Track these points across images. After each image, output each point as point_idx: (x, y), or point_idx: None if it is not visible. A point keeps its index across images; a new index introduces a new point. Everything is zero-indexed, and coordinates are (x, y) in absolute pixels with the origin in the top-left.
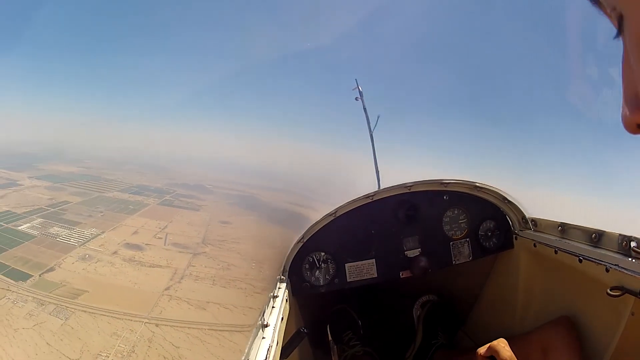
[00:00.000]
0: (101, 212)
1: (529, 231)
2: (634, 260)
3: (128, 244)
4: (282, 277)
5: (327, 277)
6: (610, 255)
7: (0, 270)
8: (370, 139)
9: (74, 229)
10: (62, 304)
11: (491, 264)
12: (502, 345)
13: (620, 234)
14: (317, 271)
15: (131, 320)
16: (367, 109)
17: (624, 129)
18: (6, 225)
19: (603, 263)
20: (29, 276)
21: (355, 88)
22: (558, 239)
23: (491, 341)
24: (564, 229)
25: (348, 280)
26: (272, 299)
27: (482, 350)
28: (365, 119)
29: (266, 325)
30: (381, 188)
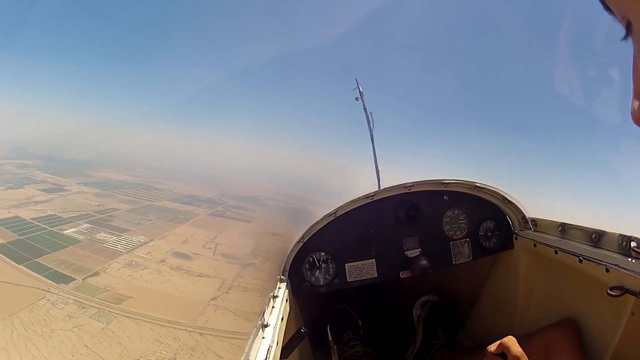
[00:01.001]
0: (151, 220)
1: (529, 231)
2: (634, 261)
3: (176, 252)
4: (282, 277)
5: (327, 277)
6: (610, 255)
7: (42, 272)
8: (371, 139)
9: (121, 235)
10: (105, 308)
11: (491, 264)
12: (512, 342)
13: (620, 234)
14: (317, 271)
15: (175, 328)
16: (367, 108)
17: (633, 124)
18: (50, 228)
19: (603, 263)
20: (71, 279)
21: (356, 88)
22: (558, 239)
23: (492, 341)
24: (564, 229)
25: (348, 280)
26: (272, 299)
27: (492, 347)
28: (365, 119)
29: (266, 325)
30: (381, 188)
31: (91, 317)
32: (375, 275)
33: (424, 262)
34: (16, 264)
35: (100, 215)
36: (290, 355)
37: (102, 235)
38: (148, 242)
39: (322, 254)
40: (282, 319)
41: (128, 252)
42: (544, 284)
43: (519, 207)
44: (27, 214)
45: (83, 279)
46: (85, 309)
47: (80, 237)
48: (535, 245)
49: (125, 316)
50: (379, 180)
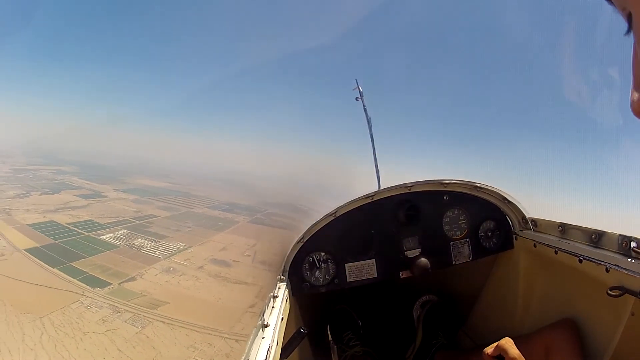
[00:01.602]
0: (189, 227)
1: (529, 231)
2: (633, 261)
3: (215, 259)
4: (282, 277)
5: (327, 277)
6: (610, 256)
7: (76, 275)
8: (371, 139)
9: (159, 242)
10: (140, 313)
11: (491, 264)
12: (509, 344)
13: (620, 234)
14: (317, 271)
15: (210, 334)
16: (367, 109)
17: (633, 115)
18: (87, 233)
19: (603, 263)
20: (107, 284)
21: (356, 88)
22: (558, 239)
23: (492, 341)
24: (564, 229)
25: (348, 280)
26: (272, 299)
27: (489, 349)
28: (365, 119)
29: (266, 325)
30: (381, 188)
31: (125, 322)
32: (375, 275)
33: (424, 262)
34: (50, 267)
35: (138, 222)
36: (290, 355)
37: (139, 241)
38: (186, 249)
39: (322, 254)
40: (282, 319)
41: (166, 258)
42: (544, 284)
43: (519, 207)
44: (63, 218)
45: (119, 284)
46: (119, 313)
47: (118, 243)
48: (535, 246)
49: (160, 321)
50: (379, 180)
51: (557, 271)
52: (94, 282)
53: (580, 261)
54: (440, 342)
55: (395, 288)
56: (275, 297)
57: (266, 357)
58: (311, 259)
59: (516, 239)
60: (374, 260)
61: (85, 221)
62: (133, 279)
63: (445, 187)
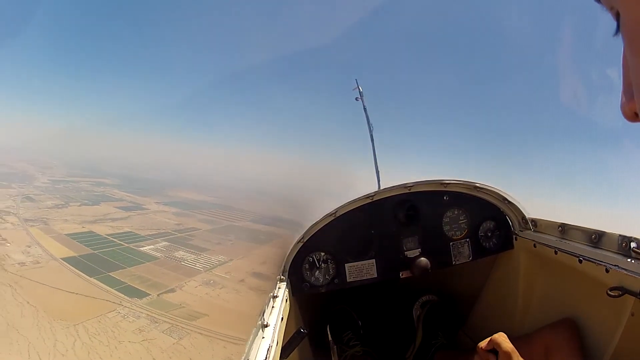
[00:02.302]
0: (231, 240)
1: (529, 232)
2: (633, 261)
3: (256, 273)
4: (282, 277)
5: (327, 277)
6: (610, 256)
7: (114, 285)
8: (370, 139)
9: (200, 254)
10: (178, 324)
11: (491, 265)
12: (502, 338)
13: (620, 235)
14: (317, 271)
15: None
16: (367, 109)
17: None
18: (127, 244)
19: (603, 264)
20: (146, 294)
21: (356, 88)
22: (558, 239)
23: (500, 332)
24: (564, 229)
25: (348, 280)
26: (272, 299)
27: (482, 344)
28: (365, 119)
29: (266, 325)
30: (381, 188)
31: (163, 332)
32: (375, 275)
33: (424, 262)
34: (87, 277)
35: (179, 234)
36: (290, 355)
37: (180, 254)
38: (227, 262)
39: (322, 254)
40: (282, 319)
41: (206, 270)
42: (544, 285)
43: (519, 207)
44: (102, 229)
45: (158, 295)
46: (157, 324)
47: (158, 255)
48: (535, 246)
49: (198, 332)
50: (379, 181)
51: (557, 271)
52: (132, 292)
53: (580, 261)
54: (440, 342)
55: (395, 288)
56: (275, 297)
57: (266, 357)
58: (311, 259)
59: (516, 239)
60: (374, 260)
61: (125, 232)
62: (172, 290)
63: (445, 187)
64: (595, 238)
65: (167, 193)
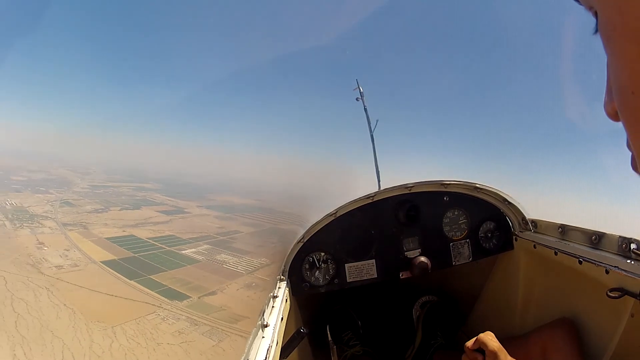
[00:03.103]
0: (273, 243)
1: (529, 232)
2: (633, 262)
3: None
4: (282, 277)
5: (327, 277)
6: (610, 257)
7: (155, 288)
8: (371, 140)
9: (242, 257)
10: (218, 326)
11: (491, 265)
12: (489, 337)
13: (620, 236)
14: (317, 271)
15: None
16: (367, 109)
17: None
18: (168, 248)
19: (603, 265)
20: (186, 297)
21: (356, 88)
22: (558, 240)
23: (487, 331)
24: (564, 230)
25: (348, 280)
26: (272, 299)
27: (469, 343)
28: (366, 119)
29: (266, 325)
30: (382, 189)
31: (202, 334)
32: (375, 275)
33: (424, 262)
34: (127, 279)
35: (221, 237)
36: (290, 355)
37: (222, 257)
38: (270, 265)
39: (322, 254)
40: (282, 319)
41: (248, 273)
42: (543, 285)
43: (519, 208)
44: (143, 233)
45: (198, 298)
46: (197, 326)
47: (199, 258)
48: (535, 247)
49: (239, 335)
50: (379, 181)
51: (557, 272)
52: (173, 295)
53: (580, 262)
54: (440, 342)
55: (395, 288)
56: (275, 297)
57: (266, 357)
58: (311, 259)
59: (516, 240)
60: (374, 260)
61: (166, 236)
62: (213, 293)
63: (445, 187)
64: (595, 239)
65: (209, 197)
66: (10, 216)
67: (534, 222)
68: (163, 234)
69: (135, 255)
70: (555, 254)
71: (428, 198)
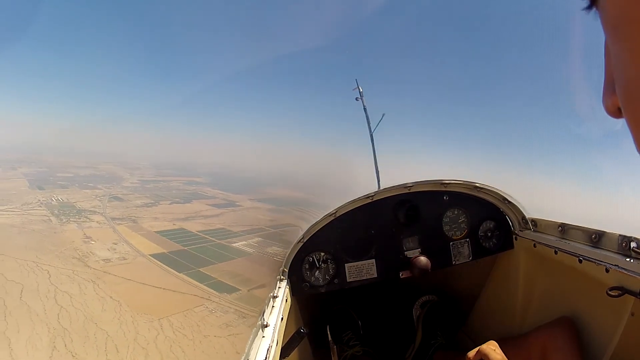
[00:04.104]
0: None
1: (528, 231)
2: (633, 261)
3: None
4: (282, 277)
5: (327, 277)
6: (610, 256)
7: (204, 281)
8: (371, 139)
9: None
10: None
11: (491, 265)
12: (492, 347)
13: (620, 235)
14: (317, 271)
15: None
16: (367, 108)
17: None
18: (218, 241)
19: (603, 263)
20: (235, 289)
21: (356, 88)
22: (558, 239)
23: (490, 341)
24: (564, 229)
25: (348, 280)
26: (272, 299)
27: (471, 354)
28: (365, 118)
29: (266, 325)
30: (381, 188)
31: (250, 327)
32: (375, 275)
33: (424, 262)
34: (176, 272)
35: (273, 230)
36: (290, 355)
37: (273, 249)
38: None
39: (322, 254)
40: (282, 319)
41: None
42: (543, 284)
43: (519, 207)
44: (193, 226)
45: (248, 290)
46: (245, 319)
47: (250, 250)
48: (535, 246)
49: None
50: (378, 181)
51: (557, 271)
52: (222, 287)
53: (580, 261)
54: (440, 342)
55: (395, 288)
56: (275, 297)
57: (266, 357)
58: (311, 259)
59: (516, 239)
60: (374, 260)
61: (217, 229)
62: (263, 286)
63: (445, 187)
64: (595, 238)
65: (261, 190)
66: (56, 212)
67: (534, 221)
68: (214, 227)
69: (185, 248)
70: (555, 252)
71: (428, 197)
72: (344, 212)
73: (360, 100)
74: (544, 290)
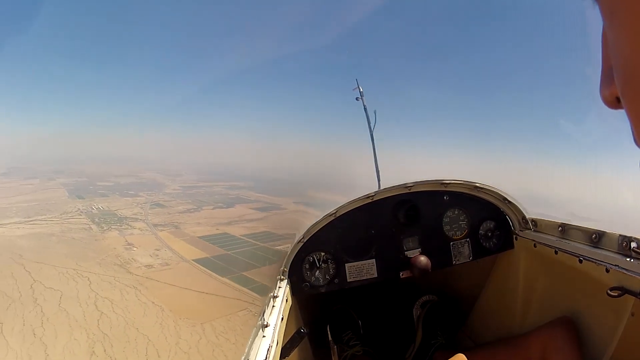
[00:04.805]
0: None
1: (529, 231)
2: (633, 261)
3: None
4: (282, 277)
5: (327, 277)
6: (610, 256)
7: (248, 285)
8: (371, 139)
9: None
10: None
11: (491, 265)
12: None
13: (620, 235)
14: (317, 271)
15: None
16: (367, 108)
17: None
18: (262, 244)
19: (603, 263)
20: None
21: (356, 88)
22: (558, 239)
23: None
24: (564, 229)
25: (348, 280)
26: (272, 299)
27: None
28: (366, 118)
29: (266, 325)
30: (381, 188)
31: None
32: (375, 275)
33: (424, 262)
34: (219, 277)
35: None
36: (290, 355)
37: None
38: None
39: (322, 254)
40: (282, 318)
41: None
42: (544, 284)
43: (519, 207)
44: (237, 230)
45: None
46: None
47: None
48: (535, 246)
49: None
50: (379, 180)
51: (557, 271)
52: (266, 291)
53: (581, 261)
54: (440, 342)
55: (395, 288)
56: (275, 297)
57: (266, 357)
58: (311, 259)
59: (516, 239)
60: (374, 260)
61: (260, 232)
62: None
63: (445, 187)
64: (595, 238)
65: (307, 194)
66: (96, 220)
67: (534, 221)
68: (257, 231)
69: (228, 252)
70: (556, 252)
71: (428, 197)
72: (344, 212)
73: (360, 100)
74: (544, 290)
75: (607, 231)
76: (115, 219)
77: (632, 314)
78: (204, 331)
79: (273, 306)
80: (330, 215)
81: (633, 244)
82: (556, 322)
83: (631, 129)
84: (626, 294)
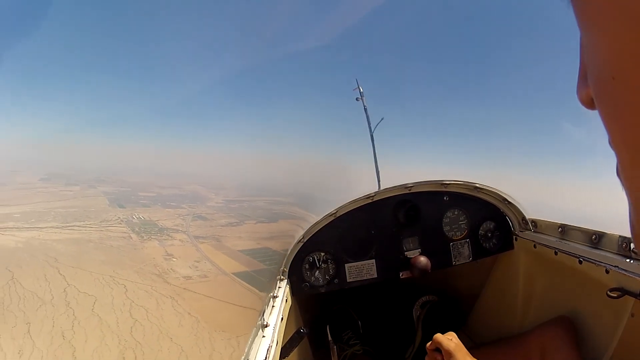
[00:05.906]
0: None
1: (529, 232)
2: (633, 262)
3: None
4: (282, 277)
5: (327, 277)
6: (610, 257)
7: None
8: (371, 139)
9: None
10: None
11: (491, 265)
12: (448, 337)
13: (620, 236)
14: (317, 271)
15: None
16: (367, 108)
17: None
18: None
19: (603, 264)
20: None
21: (356, 88)
22: (558, 240)
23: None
24: (564, 230)
25: (348, 280)
26: (271, 299)
27: (428, 344)
28: (366, 119)
29: (266, 325)
30: (381, 188)
31: None
32: (375, 275)
33: (424, 262)
34: (257, 291)
35: None
36: (290, 355)
37: None
38: None
39: (322, 254)
40: (282, 319)
41: None
42: (543, 285)
43: (519, 208)
44: (278, 245)
45: None
46: None
47: None
48: (535, 246)
49: None
50: (379, 181)
51: (557, 272)
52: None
53: (580, 262)
54: None
55: (395, 288)
56: (275, 297)
57: (266, 357)
58: (311, 259)
59: (516, 239)
60: (374, 260)
61: None
62: None
63: (445, 187)
64: (595, 239)
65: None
66: (137, 229)
67: (534, 222)
68: None
69: (268, 267)
70: (556, 253)
71: (428, 198)
72: (344, 212)
73: (360, 100)
74: (544, 290)
75: (607, 232)
76: (156, 229)
77: (632, 315)
78: (238, 344)
79: (273, 306)
80: (330, 215)
81: (633, 245)
82: (555, 322)
83: (605, 129)
84: (626, 295)
